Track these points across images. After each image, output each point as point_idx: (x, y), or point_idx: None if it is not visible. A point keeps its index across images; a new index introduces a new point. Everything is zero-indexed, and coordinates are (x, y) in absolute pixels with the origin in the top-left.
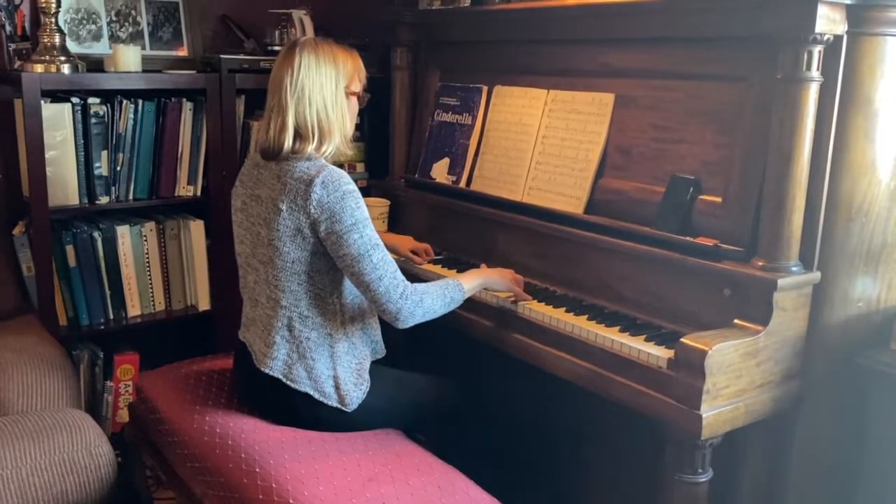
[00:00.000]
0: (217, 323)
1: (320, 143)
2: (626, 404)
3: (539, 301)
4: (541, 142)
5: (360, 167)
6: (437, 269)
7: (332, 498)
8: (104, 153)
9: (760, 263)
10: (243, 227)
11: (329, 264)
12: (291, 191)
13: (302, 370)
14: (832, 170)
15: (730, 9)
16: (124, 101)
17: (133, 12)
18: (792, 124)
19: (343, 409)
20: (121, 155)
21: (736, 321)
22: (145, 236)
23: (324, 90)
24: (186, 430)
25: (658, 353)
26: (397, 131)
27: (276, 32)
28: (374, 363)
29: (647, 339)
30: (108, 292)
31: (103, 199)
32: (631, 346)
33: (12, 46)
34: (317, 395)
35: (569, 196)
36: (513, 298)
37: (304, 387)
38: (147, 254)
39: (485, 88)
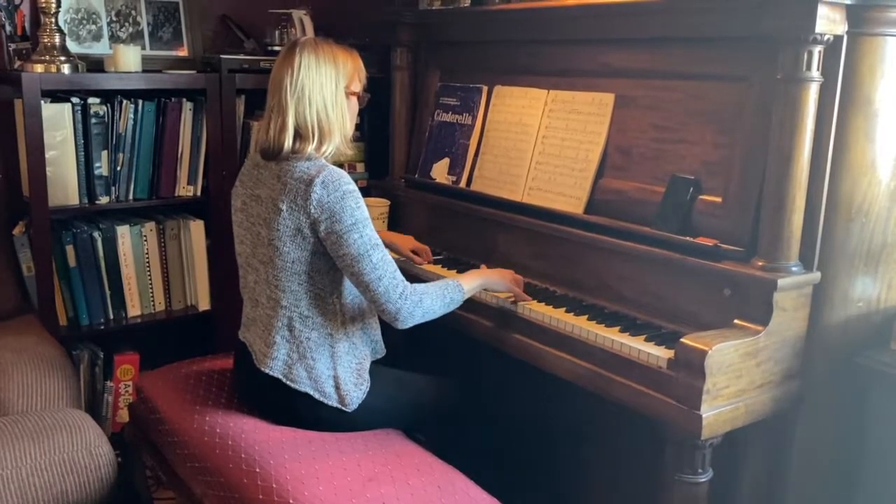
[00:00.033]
0: (217, 323)
1: (320, 143)
2: (626, 404)
3: (539, 301)
4: (541, 142)
5: (360, 167)
6: (437, 269)
7: (333, 498)
8: (104, 153)
9: (760, 263)
10: (243, 227)
11: (329, 264)
12: (291, 191)
13: (302, 370)
14: (832, 170)
15: (730, 9)
16: (124, 101)
17: (133, 12)
18: (792, 124)
19: (343, 409)
20: (121, 155)
21: (736, 321)
22: (145, 236)
23: (324, 90)
24: (186, 430)
25: (658, 353)
26: (397, 131)
27: (276, 32)
28: (374, 363)
29: (647, 339)
30: (108, 292)
31: (103, 199)
32: (631, 346)
33: (12, 46)
34: (317, 395)
35: (569, 196)
36: (513, 299)
37: (305, 387)
38: (147, 254)
39: (485, 88)
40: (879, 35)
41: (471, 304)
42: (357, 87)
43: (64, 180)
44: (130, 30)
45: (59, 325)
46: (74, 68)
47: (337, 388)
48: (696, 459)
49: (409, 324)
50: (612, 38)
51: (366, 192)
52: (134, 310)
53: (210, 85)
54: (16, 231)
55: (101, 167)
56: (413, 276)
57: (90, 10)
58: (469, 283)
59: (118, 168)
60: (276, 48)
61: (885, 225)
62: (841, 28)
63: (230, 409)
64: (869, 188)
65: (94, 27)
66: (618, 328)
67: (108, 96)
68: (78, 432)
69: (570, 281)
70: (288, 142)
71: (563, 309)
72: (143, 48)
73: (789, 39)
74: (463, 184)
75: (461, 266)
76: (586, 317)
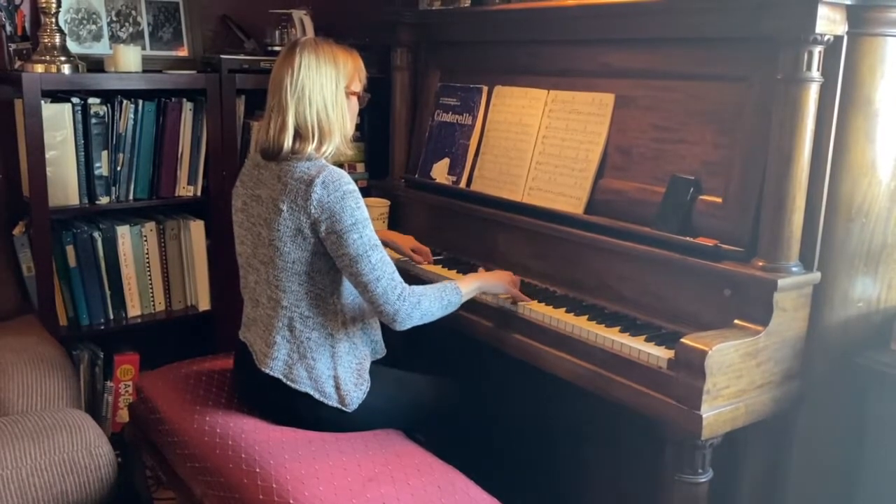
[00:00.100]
0: (217, 323)
1: (320, 143)
2: (626, 404)
3: (539, 301)
4: (541, 142)
5: (361, 167)
6: (438, 269)
7: (333, 498)
8: (104, 153)
9: (761, 264)
10: (244, 228)
11: (329, 264)
12: (292, 191)
13: (302, 370)
14: (832, 170)
15: (730, 9)
16: (124, 102)
17: (133, 12)
18: (792, 125)
19: (343, 409)
20: (121, 155)
21: (736, 321)
22: (145, 236)
23: (324, 90)
24: (186, 430)
25: (658, 354)
26: (397, 131)
27: (277, 33)
28: (375, 363)
29: (647, 340)
30: (108, 292)
31: (103, 200)
32: (631, 347)
33: (13, 46)
34: (317, 396)
35: (569, 196)
36: (512, 300)
37: (305, 387)
38: (147, 254)
39: (485, 89)
40: (880, 35)
41: (471, 305)
42: (357, 87)
43: (64, 180)
44: (131, 30)
45: (59, 325)
46: (75, 68)
47: (337, 388)
48: (696, 459)
49: (407, 325)
50: (612, 39)
51: (366, 192)
52: (134, 310)
53: (210, 85)
54: (16, 231)
55: (102, 167)
56: (413, 277)
57: (90, 10)
58: (467, 286)
59: (118, 168)
60: (277, 48)
61: (885, 225)
62: (841, 28)
63: (230, 409)
64: (869, 188)
65: (94, 27)
66: (618, 328)
67: (108, 96)
68: (78, 432)
69: (570, 281)
70: (288, 142)
71: (564, 309)
72: (144, 48)
73: (789, 39)
74: (463, 184)
75: (461, 266)
76: (586, 317)
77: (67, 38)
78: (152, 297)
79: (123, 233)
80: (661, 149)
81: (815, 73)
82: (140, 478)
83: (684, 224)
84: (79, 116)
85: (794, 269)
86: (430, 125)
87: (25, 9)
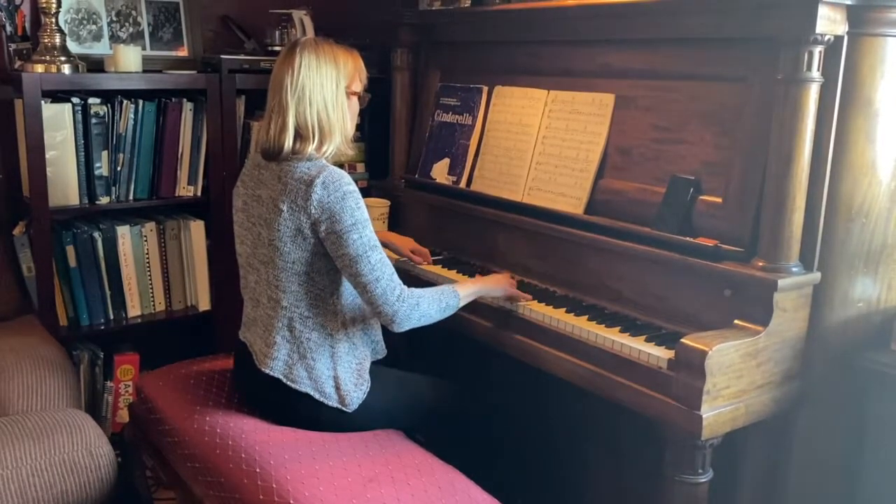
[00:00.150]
0: (217, 323)
1: (321, 143)
2: (626, 405)
3: (539, 301)
4: (541, 142)
5: (361, 167)
6: (438, 269)
7: (333, 498)
8: (104, 153)
9: (761, 264)
10: (244, 228)
11: (329, 265)
12: (292, 191)
13: (302, 370)
14: (832, 170)
15: (730, 9)
16: (125, 102)
17: (133, 12)
18: (792, 125)
19: (343, 409)
20: (121, 155)
21: (736, 322)
22: (145, 236)
23: (324, 90)
24: (186, 430)
25: (658, 354)
26: (397, 132)
27: (277, 33)
28: (375, 364)
29: (647, 340)
30: (108, 292)
31: (104, 200)
32: (631, 347)
33: (13, 46)
34: (317, 396)
35: (569, 196)
36: (512, 301)
37: (305, 387)
38: (147, 254)
39: (485, 89)
40: (880, 35)
41: (471, 305)
42: (358, 87)
43: (64, 180)
44: (131, 30)
45: (59, 325)
46: (75, 68)
47: (337, 388)
48: (696, 460)
49: (406, 327)
50: (612, 39)
51: (366, 192)
52: (134, 310)
53: (210, 85)
54: (16, 231)
55: (102, 167)
56: (413, 277)
57: (90, 11)
58: (465, 290)
59: (118, 168)
60: (277, 48)
61: (885, 225)
62: (841, 28)
63: (230, 409)
64: (869, 189)
65: (94, 27)
66: (618, 328)
67: (108, 96)
68: (78, 432)
69: (570, 281)
70: (288, 142)
71: (564, 309)
72: (144, 48)
73: (790, 40)
74: (463, 184)
75: (461, 266)
76: (586, 317)
77: (67, 38)
78: (152, 297)
79: (123, 233)
80: (661, 149)
81: (816, 74)
82: (140, 478)
83: (684, 224)
84: (79, 116)
85: (794, 269)
86: (431, 125)
87: (25, 9)
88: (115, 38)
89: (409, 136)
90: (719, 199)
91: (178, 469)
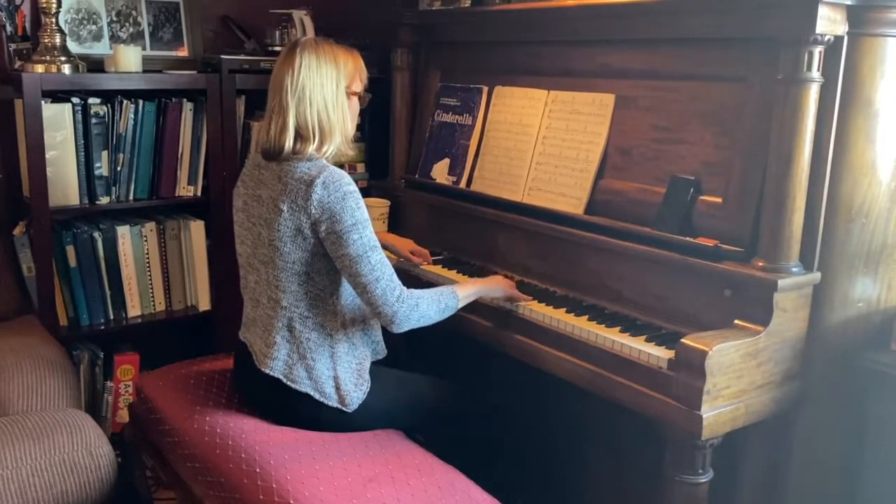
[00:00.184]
0: (217, 323)
1: (321, 143)
2: (626, 405)
3: (539, 302)
4: (541, 142)
5: (361, 167)
6: (438, 269)
7: (333, 498)
8: (104, 153)
9: (761, 264)
10: (244, 228)
11: (329, 265)
12: (292, 191)
13: (302, 370)
14: (832, 171)
15: (730, 9)
16: (125, 102)
17: (133, 13)
18: (792, 125)
19: (343, 409)
20: (121, 155)
21: (736, 322)
22: (145, 236)
23: (324, 90)
24: (186, 430)
25: (658, 354)
26: (397, 132)
27: (277, 33)
28: (375, 364)
29: (647, 340)
30: (108, 292)
31: (104, 200)
32: (631, 347)
33: (13, 47)
34: (317, 396)
35: (569, 196)
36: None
37: (305, 387)
38: (147, 254)
39: (485, 89)
40: (880, 36)
41: (471, 305)
42: (358, 87)
43: (64, 180)
44: (131, 30)
45: (59, 325)
46: (75, 68)
47: (337, 388)
48: (696, 460)
49: (405, 328)
50: (612, 39)
51: (366, 192)
52: (134, 310)
53: (210, 85)
54: (16, 231)
55: (102, 167)
56: (413, 277)
57: (91, 11)
58: (464, 292)
59: (118, 168)
60: (277, 48)
61: (885, 226)
62: (841, 28)
63: (230, 409)
64: (869, 189)
65: (94, 27)
66: (618, 329)
67: (108, 96)
68: (78, 432)
69: (570, 281)
70: (289, 142)
71: (564, 309)
72: (144, 48)
73: (790, 40)
74: (463, 184)
75: (461, 266)
76: (586, 317)
77: (68, 39)
78: (152, 297)
79: (123, 233)
80: (661, 149)
81: (816, 74)
82: (140, 478)
83: (684, 224)
84: (79, 116)
85: (794, 269)
86: (431, 125)
87: (26, 9)
88: (115, 38)
89: (409, 137)
90: (719, 200)
91: (178, 469)
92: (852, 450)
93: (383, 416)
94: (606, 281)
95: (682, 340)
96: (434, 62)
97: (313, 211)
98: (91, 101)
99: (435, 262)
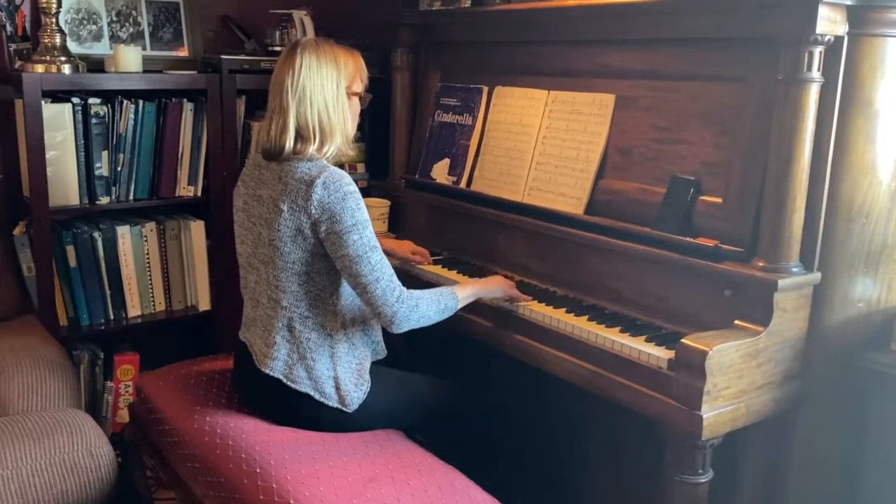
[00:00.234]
0: (217, 323)
1: (321, 143)
2: (626, 405)
3: (539, 302)
4: (541, 142)
5: (361, 168)
6: (438, 269)
7: (333, 498)
8: (105, 153)
9: (761, 264)
10: (244, 227)
11: (329, 265)
12: (292, 191)
13: (302, 371)
14: (832, 171)
15: (730, 9)
16: (125, 102)
17: (134, 13)
18: (792, 125)
19: (343, 409)
20: (121, 155)
21: (736, 322)
22: (146, 236)
23: (325, 91)
24: (186, 430)
25: (658, 354)
26: (398, 132)
27: (277, 33)
28: (375, 364)
29: (647, 340)
30: (108, 292)
31: (104, 200)
32: (631, 347)
33: (13, 47)
34: (317, 396)
35: (569, 197)
36: (512, 301)
37: (305, 387)
38: (147, 254)
39: (485, 89)
40: (880, 36)
41: (471, 305)
42: (359, 87)
43: (64, 180)
44: (131, 30)
45: (59, 325)
46: (75, 68)
47: (337, 388)
48: (696, 460)
49: (405, 328)
50: (612, 39)
51: (366, 192)
52: (134, 310)
53: (211, 85)
54: (16, 231)
55: (102, 167)
56: (413, 277)
57: (91, 11)
58: (463, 292)
59: (118, 168)
60: (277, 48)
61: (885, 226)
62: (842, 29)
63: (230, 409)
64: (869, 189)
65: (94, 27)
66: (618, 329)
67: (108, 96)
68: (78, 432)
69: (570, 281)
70: (289, 143)
71: (564, 309)
72: (144, 48)
73: (790, 40)
74: (463, 184)
75: (461, 266)
76: (586, 317)
77: (68, 39)
78: (152, 297)
79: (124, 233)
80: (661, 149)
81: (816, 74)
82: (140, 478)
83: (684, 224)
84: (79, 116)
85: (794, 269)
86: (431, 125)
87: (26, 9)
88: (115, 39)
89: (410, 137)
90: (719, 200)
91: (178, 469)
92: (852, 450)
93: (383, 416)
94: (606, 281)
95: (683, 340)
96: (434, 62)
97: (313, 211)
98: (91, 101)
99: (435, 262)
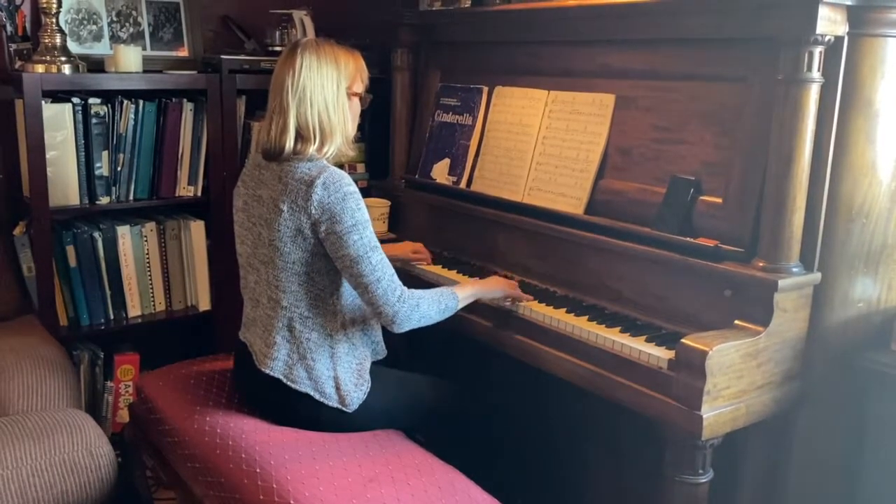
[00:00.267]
0: (217, 323)
1: (322, 144)
2: (626, 405)
3: (539, 302)
4: (541, 142)
5: (361, 167)
6: (438, 269)
7: (333, 498)
8: (105, 153)
9: (761, 264)
10: (244, 228)
11: (329, 265)
12: (292, 192)
13: (302, 371)
14: (832, 171)
15: (730, 9)
16: (125, 102)
17: (134, 13)
18: (792, 125)
19: (343, 409)
20: (121, 155)
21: (736, 322)
22: (146, 236)
23: (325, 91)
24: (187, 430)
25: (658, 354)
26: (398, 132)
27: (277, 33)
28: (375, 364)
29: (647, 340)
30: (108, 292)
31: (104, 200)
32: (631, 347)
33: (13, 47)
34: (317, 396)
35: (569, 197)
36: (513, 301)
37: (305, 387)
38: (147, 254)
39: (485, 89)
40: (880, 36)
41: (471, 305)
42: (359, 87)
43: (64, 180)
44: (131, 30)
45: (59, 325)
46: (75, 68)
47: (337, 388)
48: (696, 460)
49: (406, 328)
50: (612, 39)
51: (366, 192)
52: (134, 310)
53: (211, 85)
54: (16, 231)
55: (102, 167)
56: (413, 277)
57: (91, 11)
58: (463, 292)
59: (119, 168)
60: (277, 49)
61: (885, 226)
62: (842, 29)
63: (230, 409)
64: (869, 189)
65: (94, 27)
66: (618, 329)
67: (108, 97)
68: (78, 432)
69: (570, 281)
70: (289, 143)
71: (564, 310)
72: (144, 48)
73: (790, 40)
74: (463, 184)
75: (461, 266)
76: (587, 317)
77: (68, 39)
78: (152, 297)
79: (124, 233)
80: (661, 149)
81: (816, 74)
82: (140, 478)
83: (684, 224)
84: (79, 116)
85: (794, 269)
86: (431, 125)
87: (26, 9)
88: (115, 39)
89: (410, 137)
90: (719, 200)
91: (178, 469)
92: (852, 450)
93: (383, 416)
94: (606, 281)
95: (683, 341)
96: (434, 62)
97: (313, 211)
98: (91, 101)
99: (435, 262)
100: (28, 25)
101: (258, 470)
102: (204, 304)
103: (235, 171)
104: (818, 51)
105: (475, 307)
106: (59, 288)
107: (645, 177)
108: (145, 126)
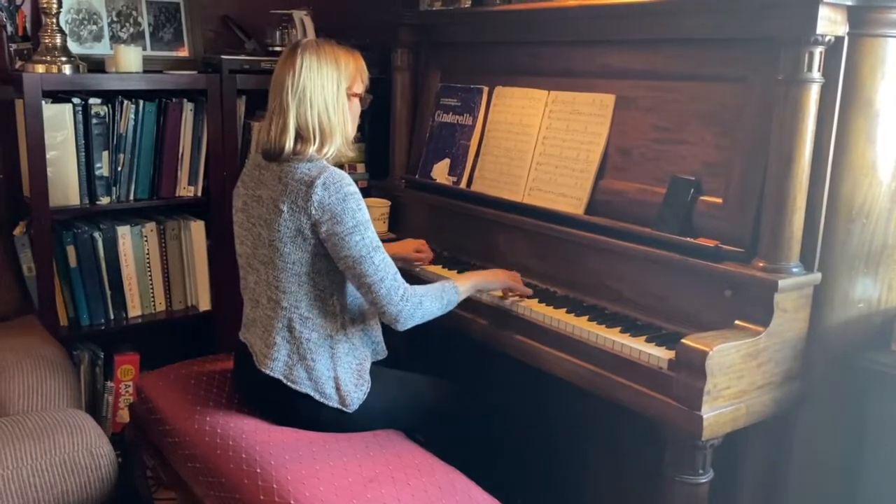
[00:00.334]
0: (217, 323)
1: (321, 144)
2: (626, 405)
3: (539, 302)
4: (541, 142)
5: (361, 168)
6: (438, 269)
7: (333, 499)
8: (105, 154)
9: (761, 264)
10: (244, 228)
11: (329, 265)
12: (292, 192)
13: (302, 371)
14: (833, 171)
15: (730, 10)
16: (125, 102)
17: (134, 13)
18: (793, 125)
19: (344, 409)
20: (122, 155)
21: (737, 322)
22: (146, 237)
23: (325, 91)
24: (187, 430)
25: (659, 354)
26: (398, 132)
27: (277, 33)
28: (375, 364)
29: (647, 340)
30: (108, 292)
31: (104, 200)
32: (632, 347)
33: (13, 47)
34: (317, 396)
35: (569, 197)
36: (513, 297)
37: (305, 388)
38: (148, 254)
39: (485, 89)
40: (881, 36)
41: (471, 305)
42: (359, 88)
43: (65, 181)
44: (131, 30)
45: (59, 325)
46: (75, 69)
47: (337, 388)
48: (696, 460)
49: (409, 325)
50: (612, 39)
51: (366, 192)
52: (134, 310)
53: (211, 85)
54: (16, 231)
55: (102, 167)
56: (413, 277)
57: (91, 11)
58: (464, 285)
59: (119, 168)
60: (277, 49)
61: (885, 226)
62: (842, 29)
63: (230, 409)
64: (869, 189)
65: (94, 28)
66: (618, 329)
67: (108, 97)
68: (78, 432)
69: (570, 282)
70: (289, 143)
71: (564, 310)
72: (144, 49)
73: (790, 40)
74: (463, 184)
75: (462, 266)
76: (587, 317)
77: (68, 39)
78: (153, 297)
79: (124, 233)
80: (661, 149)
81: (816, 74)
82: (140, 478)
83: (685, 225)
84: (79, 117)
85: (794, 269)
86: (431, 125)
87: (26, 9)
88: (115, 39)
89: (410, 137)
90: (720, 200)
91: (178, 469)
92: (852, 450)
93: (383, 416)
94: (607, 281)
95: (683, 341)
96: (434, 62)
97: (314, 212)
98: (91, 101)
99: (435, 262)
100: (28, 25)
101: (258, 470)
102: (204, 305)
103: (235, 172)
104: (818, 51)
105: (476, 308)
106: (60, 288)
107: (645, 177)
108: (145, 126)
